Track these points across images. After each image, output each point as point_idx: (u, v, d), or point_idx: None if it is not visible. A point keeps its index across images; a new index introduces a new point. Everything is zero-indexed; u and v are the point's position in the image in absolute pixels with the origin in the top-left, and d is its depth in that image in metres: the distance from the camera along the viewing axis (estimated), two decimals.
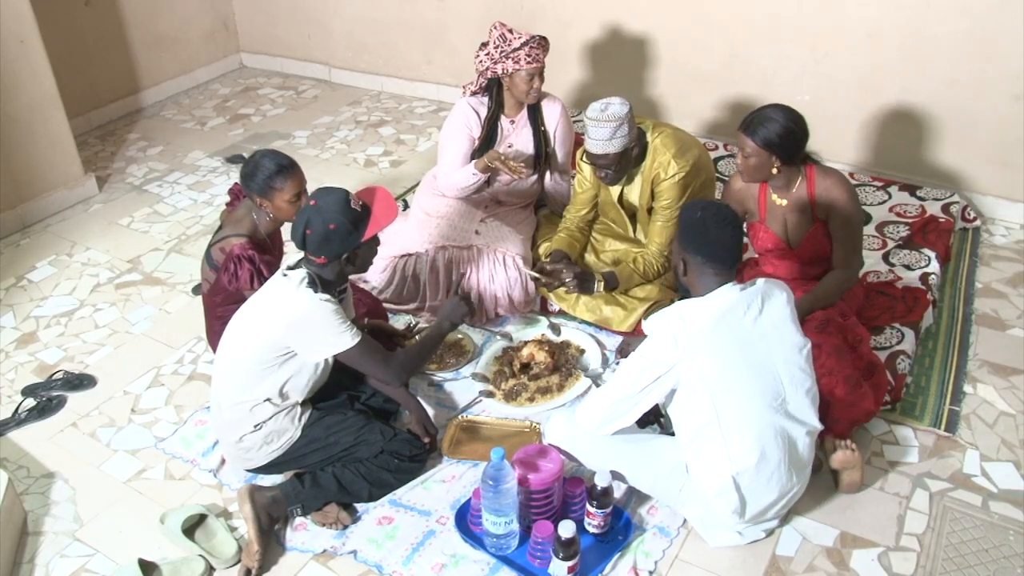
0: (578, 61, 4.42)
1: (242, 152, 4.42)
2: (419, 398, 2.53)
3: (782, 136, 2.41)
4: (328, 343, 2.16)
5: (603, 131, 2.65)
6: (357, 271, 2.27)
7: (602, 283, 2.87)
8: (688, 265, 2.06)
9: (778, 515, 2.16)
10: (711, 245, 1.99)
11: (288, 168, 2.45)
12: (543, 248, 3.18)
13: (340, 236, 2.12)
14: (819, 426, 2.09)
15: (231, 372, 2.24)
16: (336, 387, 2.44)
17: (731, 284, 2.01)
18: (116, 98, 5.00)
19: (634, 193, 2.92)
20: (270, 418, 2.24)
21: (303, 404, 2.32)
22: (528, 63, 2.95)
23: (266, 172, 2.42)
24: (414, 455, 2.33)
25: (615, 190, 2.95)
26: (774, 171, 2.47)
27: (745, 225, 2.70)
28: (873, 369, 2.48)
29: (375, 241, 2.26)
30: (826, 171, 2.54)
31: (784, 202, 2.58)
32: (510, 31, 2.98)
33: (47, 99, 3.80)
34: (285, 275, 2.18)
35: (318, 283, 2.16)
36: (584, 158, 2.86)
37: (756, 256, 2.85)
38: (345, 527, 2.24)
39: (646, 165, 2.84)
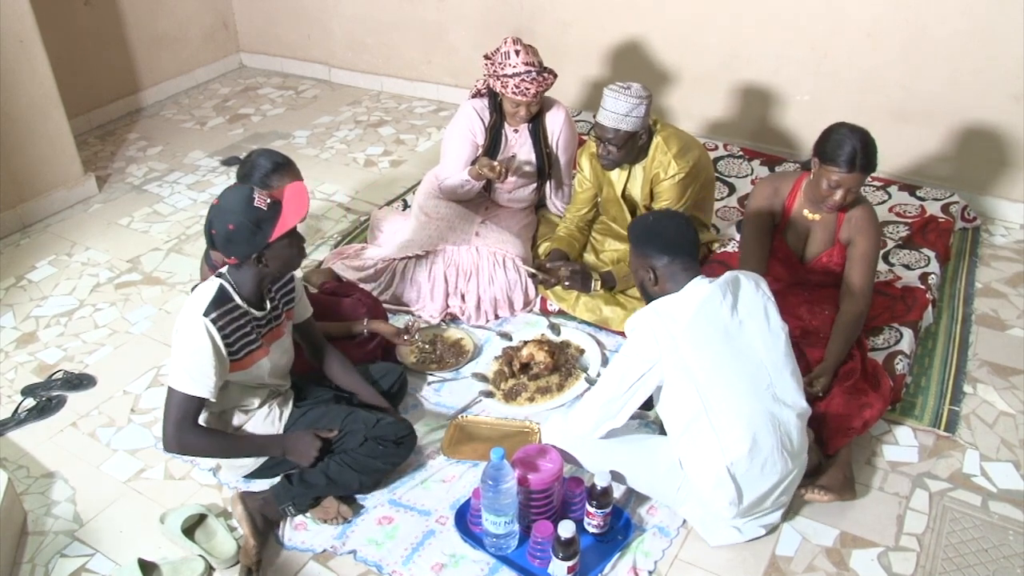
0: (578, 61, 4.42)
1: (240, 151, 4.41)
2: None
3: (874, 158, 2.39)
4: (173, 372, 2.06)
5: (621, 105, 2.64)
6: (279, 273, 2.15)
7: (599, 282, 2.88)
8: (656, 271, 2.08)
9: (776, 505, 2.15)
10: (672, 241, 2.06)
11: (284, 165, 2.44)
12: (542, 248, 3.18)
13: (242, 237, 2.00)
14: (808, 408, 2.10)
15: None
16: (318, 385, 2.44)
17: (700, 277, 2.05)
18: (116, 98, 5.00)
19: (636, 188, 2.93)
20: (246, 424, 2.24)
21: (282, 405, 2.32)
22: (514, 94, 2.91)
23: (263, 171, 2.41)
24: (399, 439, 2.29)
25: (619, 185, 2.95)
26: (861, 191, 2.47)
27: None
28: (878, 380, 2.46)
29: (292, 242, 2.10)
30: (860, 199, 2.53)
31: (817, 217, 2.57)
32: (516, 52, 2.89)
33: (47, 99, 3.80)
34: (211, 279, 2.14)
35: (233, 296, 2.09)
36: (592, 132, 2.83)
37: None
38: (348, 521, 2.25)
39: (647, 161, 2.84)
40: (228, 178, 4.19)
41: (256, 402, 2.27)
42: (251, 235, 2.01)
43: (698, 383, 1.96)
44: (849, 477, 2.29)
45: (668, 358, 1.96)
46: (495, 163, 2.95)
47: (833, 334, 2.50)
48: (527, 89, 2.89)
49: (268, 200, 2.04)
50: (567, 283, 2.90)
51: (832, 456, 2.32)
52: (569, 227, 3.12)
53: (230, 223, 2.00)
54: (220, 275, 2.13)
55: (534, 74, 2.89)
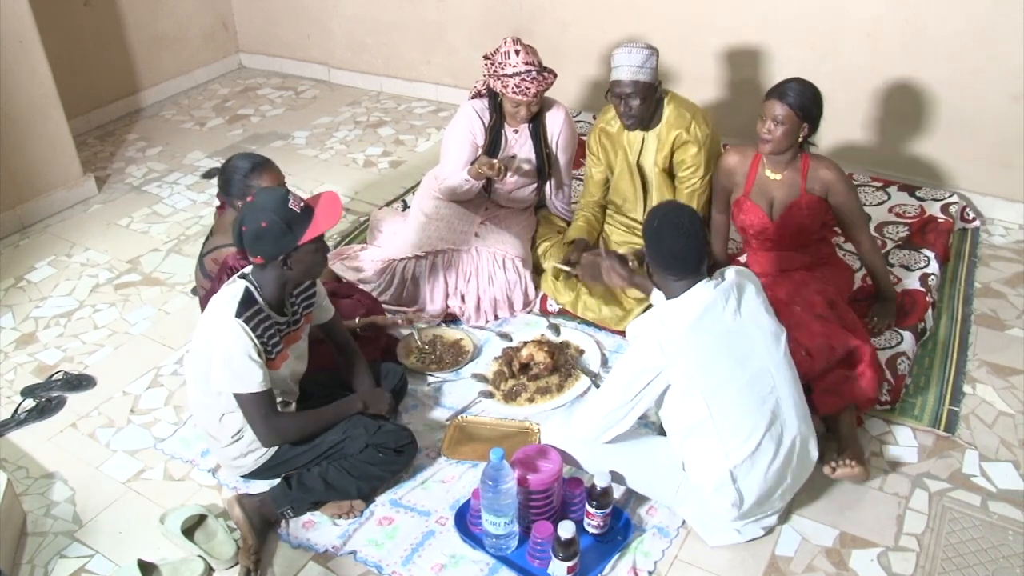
0: (577, 62, 4.42)
1: (239, 152, 4.41)
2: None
3: (815, 102, 2.52)
4: (226, 379, 2.10)
5: (636, 57, 2.71)
6: (300, 278, 2.18)
7: (635, 261, 2.79)
8: (652, 269, 2.10)
9: (776, 509, 2.16)
10: (664, 256, 2.02)
11: (262, 164, 2.44)
12: (541, 248, 3.17)
13: (273, 235, 2.03)
14: (807, 411, 2.12)
15: (193, 385, 2.25)
16: (320, 388, 2.45)
17: (704, 282, 2.02)
18: (115, 98, 5.00)
19: (648, 157, 2.97)
20: (247, 425, 2.23)
21: (284, 407, 2.32)
22: (515, 94, 2.91)
23: (241, 172, 2.41)
24: (399, 447, 2.29)
25: (633, 153, 2.97)
26: (799, 139, 2.54)
27: (732, 202, 2.79)
28: (856, 357, 2.46)
29: (318, 248, 2.14)
30: (819, 157, 2.66)
31: (778, 177, 2.64)
32: (516, 52, 2.89)
33: (46, 99, 3.80)
34: (232, 283, 2.15)
35: (257, 298, 2.11)
36: (608, 96, 2.85)
37: (742, 255, 2.88)
38: (360, 513, 2.26)
39: (661, 127, 2.89)
40: None
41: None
42: (281, 235, 2.04)
43: (703, 389, 1.96)
44: (864, 455, 2.32)
45: (674, 365, 1.96)
46: (494, 161, 2.96)
47: (870, 274, 2.82)
48: (527, 89, 2.89)
49: (302, 204, 2.08)
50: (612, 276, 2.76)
51: (831, 423, 2.39)
52: (585, 214, 3.16)
53: (264, 220, 2.02)
54: (243, 276, 2.15)
55: (534, 73, 2.89)
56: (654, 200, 3.02)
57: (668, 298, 2.07)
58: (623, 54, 2.74)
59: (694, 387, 1.96)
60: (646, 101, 2.78)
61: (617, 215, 3.17)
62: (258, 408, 2.13)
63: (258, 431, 2.17)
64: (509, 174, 3.07)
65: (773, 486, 2.06)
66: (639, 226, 3.08)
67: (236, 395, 2.12)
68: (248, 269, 2.17)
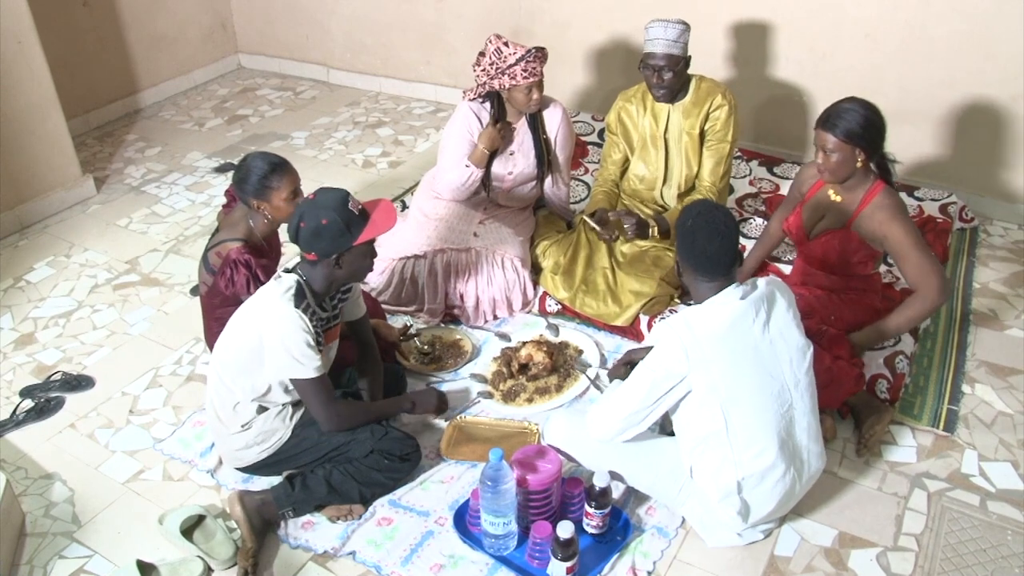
0: (576, 62, 4.42)
1: (239, 152, 4.41)
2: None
3: (863, 126, 2.36)
4: (286, 365, 2.13)
5: (672, 31, 2.84)
6: (347, 279, 2.23)
7: (655, 227, 2.99)
8: (682, 269, 2.09)
9: (778, 517, 2.18)
10: (697, 256, 2.00)
11: (281, 166, 2.45)
12: (540, 248, 3.17)
13: (331, 234, 2.10)
14: (819, 428, 2.11)
15: (218, 370, 2.26)
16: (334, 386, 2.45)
17: (732, 287, 2.00)
18: (114, 99, 4.99)
19: (675, 129, 3.06)
20: (257, 418, 2.25)
21: (295, 404, 2.32)
22: (525, 78, 2.93)
23: (259, 172, 2.41)
24: (405, 455, 2.30)
25: (660, 126, 3.06)
26: (859, 165, 2.41)
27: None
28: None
29: (369, 252, 2.22)
30: (889, 194, 2.46)
31: (838, 199, 2.54)
32: (505, 44, 2.93)
33: (45, 100, 3.80)
34: (279, 278, 2.19)
35: (307, 292, 2.16)
36: (640, 67, 2.97)
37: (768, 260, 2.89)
38: (359, 516, 2.26)
39: (686, 101, 3.02)
40: (227, 179, 4.18)
41: (283, 401, 2.28)
42: (339, 234, 2.10)
43: (722, 400, 1.96)
44: (870, 402, 2.46)
45: (696, 373, 1.95)
46: (495, 128, 3.02)
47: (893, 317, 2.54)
48: (535, 68, 2.94)
49: (360, 206, 2.15)
50: (630, 233, 2.99)
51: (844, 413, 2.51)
52: (604, 188, 3.24)
53: (324, 218, 2.09)
54: (292, 271, 2.19)
55: (534, 52, 2.93)
56: (674, 174, 3.10)
57: (696, 301, 2.06)
58: (659, 28, 2.84)
59: (714, 397, 1.96)
60: (678, 74, 2.91)
61: (632, 200, 3.23)
62: (318, 393, 2.18)
63: (319, 415, 2.22)
64: (508, 172, 3.05)
65: (780, 500, 2.06)
66: (657, 210, 3.17)
67: (295, 381, 2.16)
68: (294, 264, 2.22)
